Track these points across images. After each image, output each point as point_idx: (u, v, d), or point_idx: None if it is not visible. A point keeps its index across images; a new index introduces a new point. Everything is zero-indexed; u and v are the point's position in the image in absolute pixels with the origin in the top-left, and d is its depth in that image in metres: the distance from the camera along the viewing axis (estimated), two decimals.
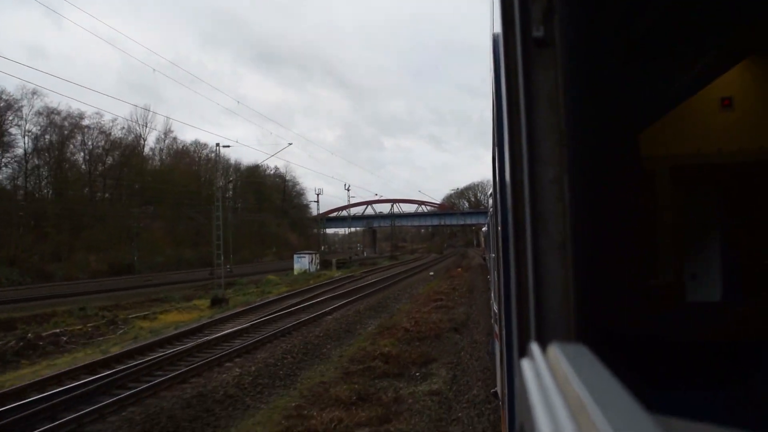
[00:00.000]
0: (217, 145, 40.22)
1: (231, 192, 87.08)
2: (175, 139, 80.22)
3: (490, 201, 8.21)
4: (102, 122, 64.20)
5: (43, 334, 17.00)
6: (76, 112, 59.69)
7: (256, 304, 23.32)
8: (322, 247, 65.04)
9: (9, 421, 7.83)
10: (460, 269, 41.87)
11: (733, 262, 3.38)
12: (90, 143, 64.00)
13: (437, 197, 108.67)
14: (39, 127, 57.60)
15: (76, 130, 61.82)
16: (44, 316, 22.18)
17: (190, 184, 70.74)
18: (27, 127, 55.98)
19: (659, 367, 2.24)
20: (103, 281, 41.92)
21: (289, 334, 15.05)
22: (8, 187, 55.48)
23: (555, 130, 0.90)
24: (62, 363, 13.27)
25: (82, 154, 64.23)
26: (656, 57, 2.61)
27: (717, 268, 3.43)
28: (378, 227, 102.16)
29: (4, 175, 55.32)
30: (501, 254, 1.92)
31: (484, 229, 32.26)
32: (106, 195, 65.81)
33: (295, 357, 12.37)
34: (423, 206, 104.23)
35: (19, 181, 57.01)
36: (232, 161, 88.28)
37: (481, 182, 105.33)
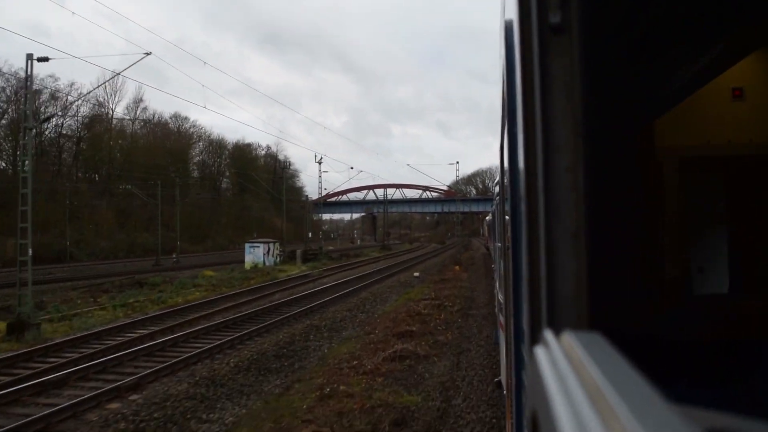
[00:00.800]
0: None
1: (215, 170, 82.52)
2: (145, 109, 73.12)
3: (496, 189, 8.19)
4: (58, 86, 56.22)
5: None
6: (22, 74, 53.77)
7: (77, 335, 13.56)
8: (310, 234, 61.32)
9: None
10: (457, 267, 32.96)
11: (740, 255, 3.38)
12: (43, 109, 53.06)
13: (446, 186, 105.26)
14: None
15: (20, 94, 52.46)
16: None
17: (158, 159, 63.06)
18: None
19: (664, 361, 2.25)
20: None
21: None
22: None
23: (570, 118, 0.90)
24: None
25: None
26: (668, 46, 2.59)
27: (724, 261, 3.43)
28: (379, 213, 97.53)
29: None
30: (512, 243, 1.92)
31: (488, 218, 31.78)
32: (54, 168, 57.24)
33: None
34: (428, 192, 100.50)
35: None
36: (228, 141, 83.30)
37: (490, 168, 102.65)
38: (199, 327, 14.54)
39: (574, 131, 0.90)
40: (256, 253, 40.20)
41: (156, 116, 75.49)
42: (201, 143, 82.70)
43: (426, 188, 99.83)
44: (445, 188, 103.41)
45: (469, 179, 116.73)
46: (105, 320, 16.59)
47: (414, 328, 12.97)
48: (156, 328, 14.61)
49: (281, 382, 9.59)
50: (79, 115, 61.39)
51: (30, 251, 15.96)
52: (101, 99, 65.80)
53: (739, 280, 3.35)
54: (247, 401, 8.66)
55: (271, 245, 41.92)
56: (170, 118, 78.27)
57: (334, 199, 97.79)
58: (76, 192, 53.87)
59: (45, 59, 16.52)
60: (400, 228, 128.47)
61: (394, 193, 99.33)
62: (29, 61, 16.40)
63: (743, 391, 2.40)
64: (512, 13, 1.22)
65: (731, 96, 3.32)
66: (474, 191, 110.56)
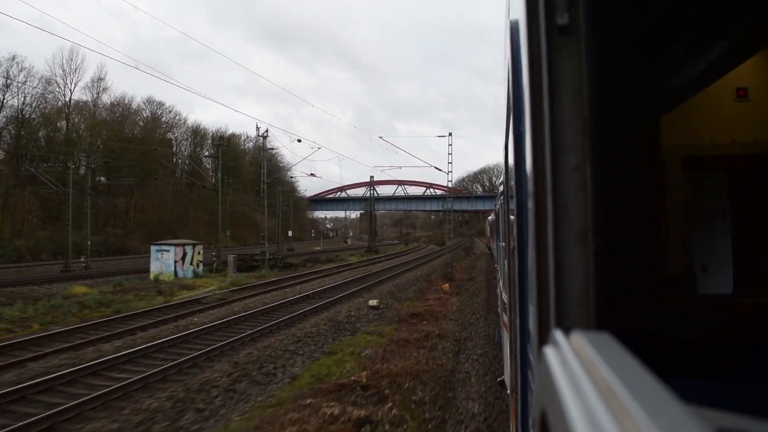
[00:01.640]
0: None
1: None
2: (105, 89, 64.05)
3: (500, 188, 8.19)
4: None
5: None
6: None
7: None
8: (290, 233, 55.50)
9: None
10: (446, 286, 22.60)
11: (744, 254, 3.39)
12: None
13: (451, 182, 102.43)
14: None
15: None
16: None
17: (114, 145, 56.02)
18: None
19: (671, 359, 2.26)
20: None
21: None
22: None
23: (578, 118, 0.91)
24: None
25: None
26: (673, 46, 2.60)
27: (728, 260, 3.44)
28: (380, 211, 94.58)
29: None
30: (518, 242, 1.93)
31: (490, 217, 31.26)
32: None
33: None
34: (431, 189, 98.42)
35: None
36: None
37: (497, 165, 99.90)
38: None
39: (582, 131, 0.91)
40: (164, 261, 29.66)
41: (127, 99, 66.84)
42: (177, 132, 73.65)
43: (430, 185, 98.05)
44: (449, 186, 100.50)
45: (476, 176, 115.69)
46: None
47: None
48: None
49: None
50: (26, 93, 54.23)
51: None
52: (52, 77, 57.70)
53: (743, 278, 3.36)
54: None
55: (189, 249, 30.85)
56: (144, 102, 69.55)
57: (330, 196, 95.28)
58: None
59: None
60: (403, 227, 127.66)
61: (396, 190, 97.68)
62: None
63: (750, 390, 2.40)
64: (518, 14, 1.22)
65: (735, 95, 3.33)
66: (480, 189, 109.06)
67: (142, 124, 69.19)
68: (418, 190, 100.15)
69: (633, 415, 0.44)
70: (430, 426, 7.01)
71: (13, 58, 52.76)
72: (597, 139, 0.95)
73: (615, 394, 0.49)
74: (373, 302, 18.53)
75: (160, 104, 70.58)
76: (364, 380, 8.56)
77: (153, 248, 30.66)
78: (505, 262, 4.84)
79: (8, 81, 51.90)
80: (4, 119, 54.04)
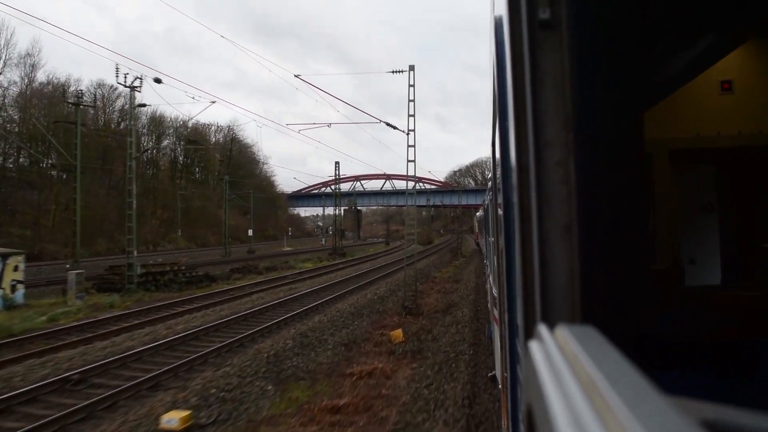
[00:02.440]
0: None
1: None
2: (33, 66, 53.35)
3: (489, 184, 8.22)
4: None
5: None
6: None
7: None
8: (250, 232, 49.13)
9: None
10: (398, 333, 12.49)
11: (731, 246, 3.43)
12: None
13: (443, 178, 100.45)
14: None
15: None
16: None
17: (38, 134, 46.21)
18: None
19: (657, 352, 2.29)
20: None
21: None
22: None
23: (561, 113, 0.92)
24: None
25: None
26: (657, 40, 2.62)
27: (716, 252, 3.48)
28: (364, 207, 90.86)
29: None
30: (505, 237, 1.94)
31: (479, 213, 31.17)
32: None
33: None
34: (421, 183, 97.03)
35: None
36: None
37: (489, 159, 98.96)
38: None
39: (565, 126, 0.91)
40: None
41: (65, 79, 56.36)
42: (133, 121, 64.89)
43: (419, 179, 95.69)
44: (440, 181, 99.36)
45: (467, 170, 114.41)
46: None
47: None
48: None
49: None
50: None
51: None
52: None
53: (730, 270, 3.40)
54: None
55: None
56: (94, 86, 59.38)
57: (315, 191, 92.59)
58: None
59: None
60: (393, 223, 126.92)
61: (383, 184, 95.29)
62: None
63: (736, 381, 2.44)
64: (502, 9, 1.23)
65: (720, 88, 3.37)
66: (472, 183, 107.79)
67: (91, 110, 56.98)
68: (409, 185, 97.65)
69: (615, 410, 0.44)
70: None
71: None
72: (580, 133, 0.96)
73: (598, 388, 0.49)
74: (173, 422, 7.28)
75: (113, 88, 59.51)
76: None
77: None
78: (494, 257, 4.86)
79: None
80: None
